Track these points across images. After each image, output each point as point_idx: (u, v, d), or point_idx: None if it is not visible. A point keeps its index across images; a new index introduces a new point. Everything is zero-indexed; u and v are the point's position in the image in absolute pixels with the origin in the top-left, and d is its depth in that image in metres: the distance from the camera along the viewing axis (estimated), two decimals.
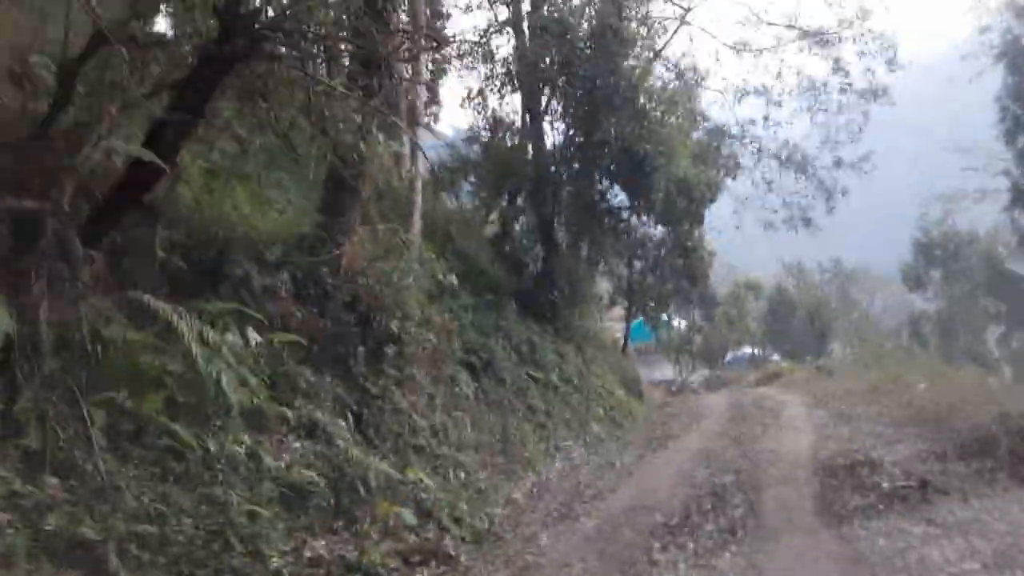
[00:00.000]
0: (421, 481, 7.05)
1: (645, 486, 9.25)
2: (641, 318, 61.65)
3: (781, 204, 24.69)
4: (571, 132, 18.06)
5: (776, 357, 41.04)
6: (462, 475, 8.45)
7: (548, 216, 17.72)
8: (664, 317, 54.89)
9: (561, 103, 17.87)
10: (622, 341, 29.51)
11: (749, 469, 9.22)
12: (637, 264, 28.36)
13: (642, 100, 17.10)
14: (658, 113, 17.52)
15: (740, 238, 27.56)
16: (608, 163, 17.30)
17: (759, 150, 24.55)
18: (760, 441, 11.49)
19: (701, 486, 8.55)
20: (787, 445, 10.84)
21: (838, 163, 23.24)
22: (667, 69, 20.51)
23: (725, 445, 11.61)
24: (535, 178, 17.96)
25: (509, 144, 18.81)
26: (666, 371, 57.61)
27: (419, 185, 12.54)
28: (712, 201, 22.84)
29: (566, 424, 13.31)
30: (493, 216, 19.27)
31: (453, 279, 11.32)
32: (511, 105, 18.77)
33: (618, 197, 20.60)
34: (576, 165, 18.41)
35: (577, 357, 16.83)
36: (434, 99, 20.56)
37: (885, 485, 7.13)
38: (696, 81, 22.92)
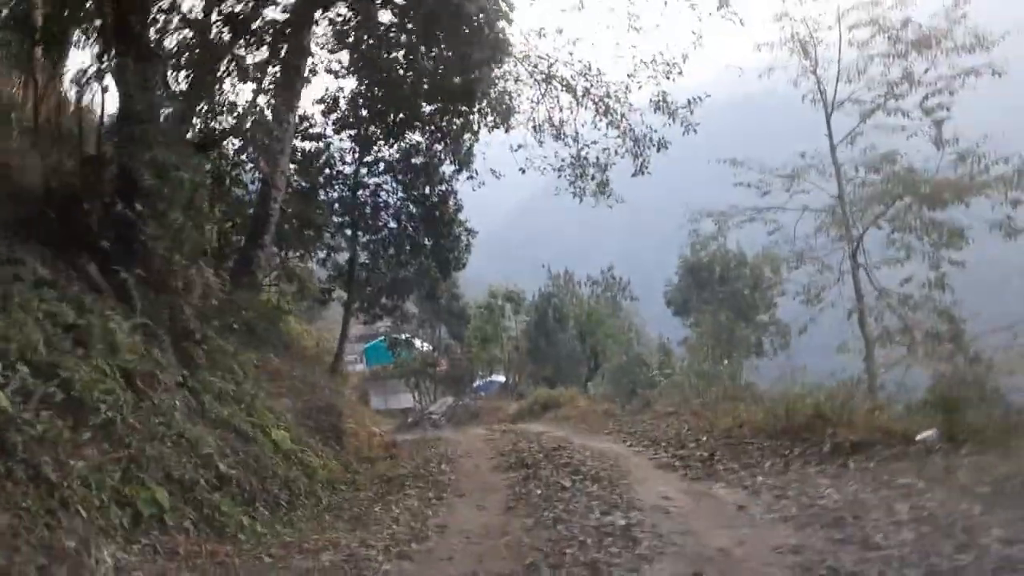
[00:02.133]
0: None
1: None
2: (381, 339, 51.46)
3: (571, 160, 17.09)
4: None
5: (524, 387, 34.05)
6: None
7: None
8: (404, 336, 46.36)
9: None
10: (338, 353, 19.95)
11: None
12: (363, 237, 19.08)
13: None
14: None
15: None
16: None
17: (547, 77, 16.80)
18: None
19: None
20: None
21: (661, 104, 16.14)
22: None
23: None
24: None
25: None
26: (405, 399, 48.74)
27: None
28: (498, 61, 14.60)
29: None
30: None
31: None
32: None
33: None
34: None
35: (167, 353, 6.89)
36: None
37: None
38: None
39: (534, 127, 16.84)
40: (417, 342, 46.54)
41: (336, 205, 18.61)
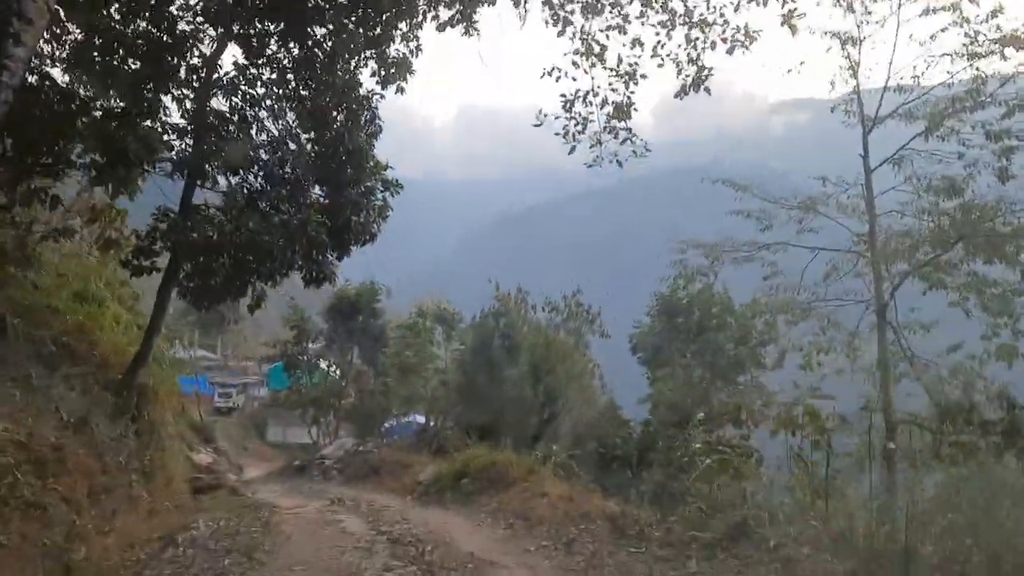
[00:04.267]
0: None
1: None
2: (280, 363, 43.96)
3: (579, 51, 9.95)
4: None
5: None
6: None
7: None
8: (307, 357, 37.99)
9: None
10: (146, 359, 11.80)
11: None
12: (212, 165, 11.24)
13: None
14: None
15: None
16: None
17: None
18: None
19: None
20: None
21: None
22: None
23: None
24: None
25: None
26: (303, 433, 40.58)
27: None
28: None
29: None
30: None
31: None
32: None
33: None
34: None
35: None
36: None
37: None
38: None
39: None
40: (324, 365, 38.46)
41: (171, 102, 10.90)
